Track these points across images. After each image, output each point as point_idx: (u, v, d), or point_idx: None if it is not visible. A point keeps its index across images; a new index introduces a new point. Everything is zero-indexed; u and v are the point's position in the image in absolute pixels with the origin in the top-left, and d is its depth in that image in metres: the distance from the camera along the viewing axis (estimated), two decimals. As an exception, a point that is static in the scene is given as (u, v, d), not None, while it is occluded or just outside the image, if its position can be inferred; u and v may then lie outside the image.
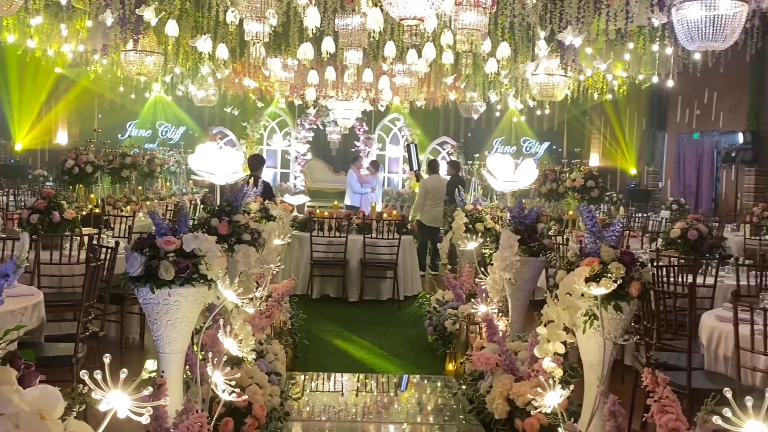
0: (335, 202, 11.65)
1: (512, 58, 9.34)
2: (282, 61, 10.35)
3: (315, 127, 18.05)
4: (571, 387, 3.98)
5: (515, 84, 12.60)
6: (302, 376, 6.18)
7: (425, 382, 6.30)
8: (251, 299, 4.19)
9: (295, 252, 9.68)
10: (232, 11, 7.58)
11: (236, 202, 6.19)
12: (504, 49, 8.19)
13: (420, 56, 8.56)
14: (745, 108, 13.81)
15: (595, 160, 18.62)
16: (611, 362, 4.29)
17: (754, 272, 6.10)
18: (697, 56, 8.86)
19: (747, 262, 6.80)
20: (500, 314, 6.21)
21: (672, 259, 6.23)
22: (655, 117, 17.32)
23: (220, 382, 3.73)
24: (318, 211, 10.30)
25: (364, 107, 14.90)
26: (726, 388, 2.45)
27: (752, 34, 7.21)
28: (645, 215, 12.91)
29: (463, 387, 5.72)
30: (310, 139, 18.23)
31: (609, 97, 14.13)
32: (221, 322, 3.94)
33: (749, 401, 2.31)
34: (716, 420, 2.41)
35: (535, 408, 3.90)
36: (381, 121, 18.69)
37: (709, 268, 6.23)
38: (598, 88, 12.59)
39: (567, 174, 12.02)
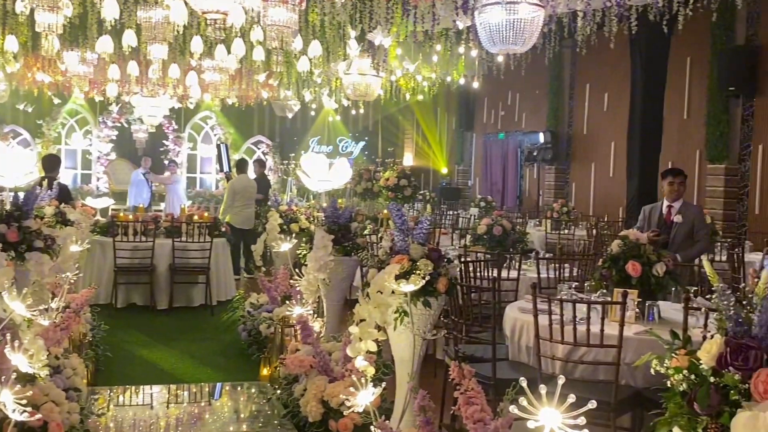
0: (141, 204, 11.10)
1: (325, 57, 9.33)
2: (79, 55, 9.66)
3: (119, 125, 17.14)
4: (383, 384, 3.96)
5: (329, 83, 12.63)
6: (107, 391, 5.80)
7: (239, 389, 6.12)
8: (45, 311, 3.83)
9: (96, 259, 9.04)
10: (22, 1, 7.00)
11: (27, 206, 5.68)
12: (316, 48, 8.14)
13: (229, 52, 8.32)
14: (545, 109, 14.76)
15: (408, 160, 19.18)
16: (422, 357, 4.36)
17: (553, 265, 6.43)
18: (500, 59, 9.28)
19: (547, 255, 7.20)
20: (315, 315, 6.16)
21: (478, 254, 6.46)
22: (464, 117, 18.06)
23: (9, 401, 3.39)
24: (122, 214, 9.74)
25: (172, 104, 14.35)
26: (522, 378, 2.51)
27: (550, 39, 7.59)
28: (455, 213, 13.41)
29: (278, 391, 5.60)
30: (114, 137, 17.30)
31: (420, 97, 14.56)
32: (9, 336, 3.58)
33: (543, 389, 2.38)
34: (513, 409, 2.46)
35: (349, 408, 3.85)
36: (191, 120, 18.11)
37: (513, 262, 6.51)
38: (409, 89, 12.91)
39: (381, 173, 12.23)
